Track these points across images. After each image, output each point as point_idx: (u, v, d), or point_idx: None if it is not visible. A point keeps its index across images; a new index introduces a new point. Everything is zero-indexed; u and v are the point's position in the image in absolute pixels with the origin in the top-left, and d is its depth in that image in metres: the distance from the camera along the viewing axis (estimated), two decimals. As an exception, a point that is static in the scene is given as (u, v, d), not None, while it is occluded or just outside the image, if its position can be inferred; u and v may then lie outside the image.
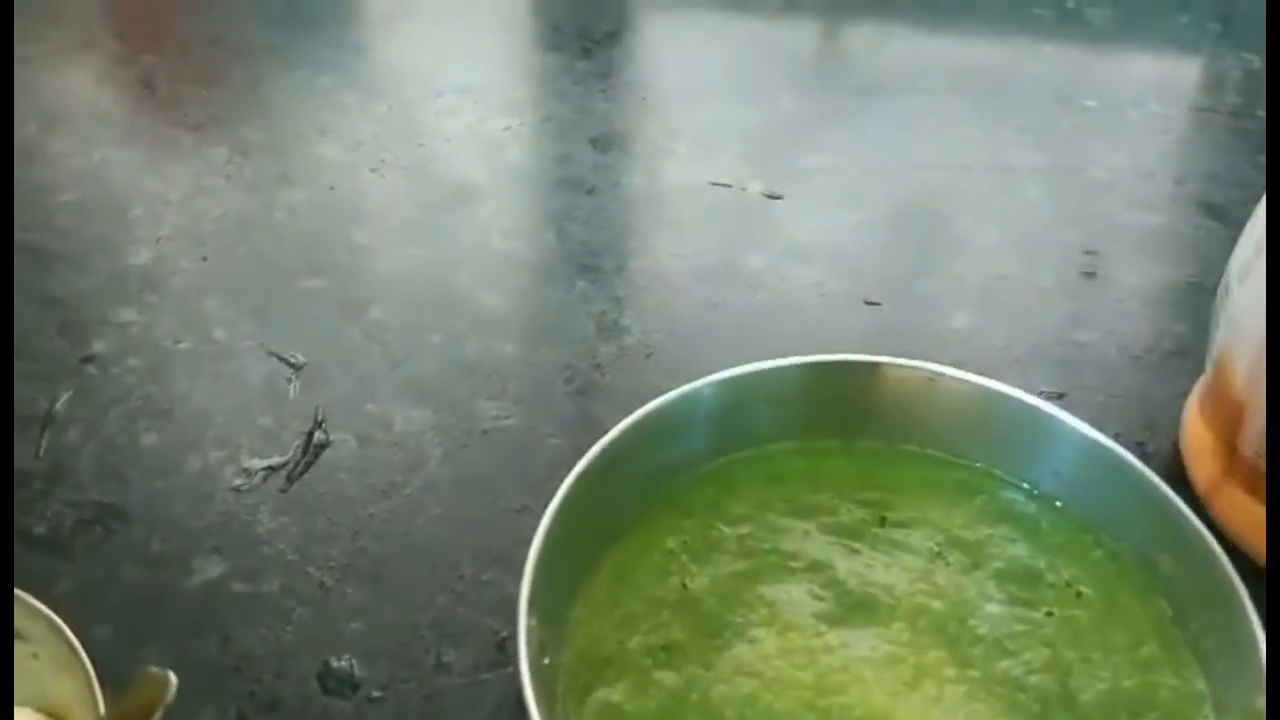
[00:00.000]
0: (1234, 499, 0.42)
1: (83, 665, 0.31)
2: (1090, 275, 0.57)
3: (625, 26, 0.75)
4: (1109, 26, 0.76)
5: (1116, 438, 0.47)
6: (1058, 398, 0.49)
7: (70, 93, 0.66)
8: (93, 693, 0.30)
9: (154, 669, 0.28)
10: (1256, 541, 0.42)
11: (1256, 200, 0.42)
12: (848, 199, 0.61)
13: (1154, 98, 0.70)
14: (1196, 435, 0.45)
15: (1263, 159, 0.65)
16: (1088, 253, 0.58)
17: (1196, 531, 0.35)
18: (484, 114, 0.65)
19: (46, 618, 0.32)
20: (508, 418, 0.48)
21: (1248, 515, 0.42)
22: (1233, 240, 0.43)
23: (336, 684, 0.39)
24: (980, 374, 0.42)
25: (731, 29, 0.76)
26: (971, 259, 0.58)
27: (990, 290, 0.56)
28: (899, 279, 0.56)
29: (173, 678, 0.28)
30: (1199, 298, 0.55)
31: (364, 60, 0.73)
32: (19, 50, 0.67)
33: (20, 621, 0.33)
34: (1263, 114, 0.70)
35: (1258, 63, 0.73)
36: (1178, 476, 0.46)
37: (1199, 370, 0.47)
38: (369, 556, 0.42)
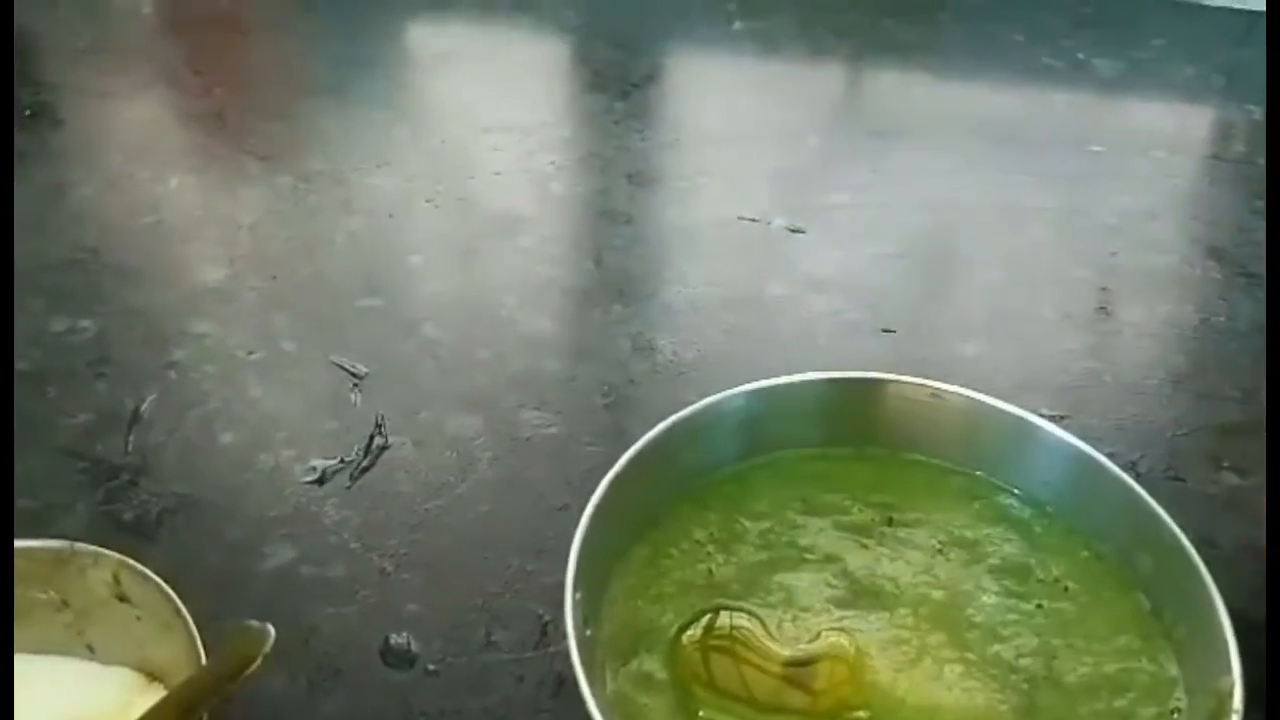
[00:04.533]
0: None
1: (185, 623, 0.35)
2: (1094, 310, 0.61)
3: (661, 71, 0.80)
4: (1117, 77, 0.80)
5: (1112, 457, 0.51)
6: (1059, 420, 0.52)
7: (150, 124, 0.72)
8: (195, 648, 0.34)
9: (253, 622, 0.32)
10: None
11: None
12: (866, 234, 0.65)
13: (1160, 145, 0.74)
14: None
15: (1262, 204, 0.69)
16: (1092, 289, 0.62)
17: (1171, 532, 0.39)
18: (529, 150, 0.70)
19: (155, 583, 0.36)
20: (550, 426, 0.52)
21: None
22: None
23: (395, 658, 0.43)
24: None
25: (760, 75, 0.81)
26: (981, 292, 0.62)
27: (998, 322, 0.60)
28: (912, 309, 0.60)
29: (271, 630, 0.32)
30: (1198, 333, 0.59)
31: (414, 99, 0.78)
32: (105, 85, 0.73)
33: (128, 587, 0.37)
34: (1262, 161, 0.74)
35: (1259, 113, 0.77)
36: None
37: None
38: (425, 547, 0.47)
